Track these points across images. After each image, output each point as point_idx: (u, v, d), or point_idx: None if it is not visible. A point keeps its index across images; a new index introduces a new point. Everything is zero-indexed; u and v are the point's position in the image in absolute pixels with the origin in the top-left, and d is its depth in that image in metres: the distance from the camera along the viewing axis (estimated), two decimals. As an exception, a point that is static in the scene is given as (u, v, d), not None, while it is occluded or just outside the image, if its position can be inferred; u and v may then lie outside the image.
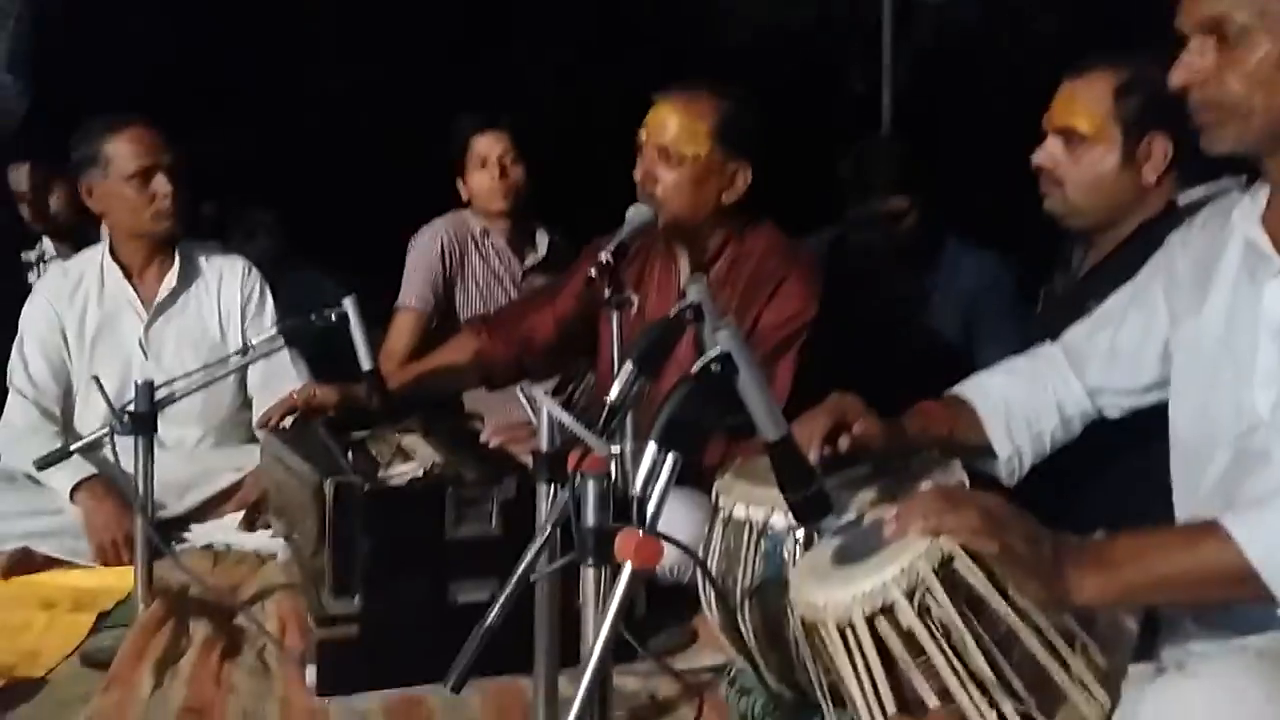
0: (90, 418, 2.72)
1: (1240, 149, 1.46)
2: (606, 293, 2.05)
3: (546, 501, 1.51)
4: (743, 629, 1.55)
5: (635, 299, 2.10)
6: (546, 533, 1.41)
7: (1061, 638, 1.23)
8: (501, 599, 1.41)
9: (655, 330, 1.48)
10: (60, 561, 2.48)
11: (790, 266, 2.29)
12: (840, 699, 1.33)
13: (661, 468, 1.22)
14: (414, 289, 3.12)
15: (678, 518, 1.73)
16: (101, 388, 2.05)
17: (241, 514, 2.60)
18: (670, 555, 1.97)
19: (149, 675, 1.85)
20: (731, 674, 1.69)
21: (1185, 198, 1.92)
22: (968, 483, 1.58)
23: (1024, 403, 1.73)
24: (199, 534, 2.62)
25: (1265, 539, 1.20)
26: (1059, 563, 1.23)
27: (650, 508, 1.20)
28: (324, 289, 3.72)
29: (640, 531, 1.19)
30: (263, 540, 2.53)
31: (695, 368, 1.26)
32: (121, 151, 2.66)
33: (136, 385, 2.03)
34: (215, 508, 2.66)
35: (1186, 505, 1.54)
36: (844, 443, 1.56)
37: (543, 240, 3.24)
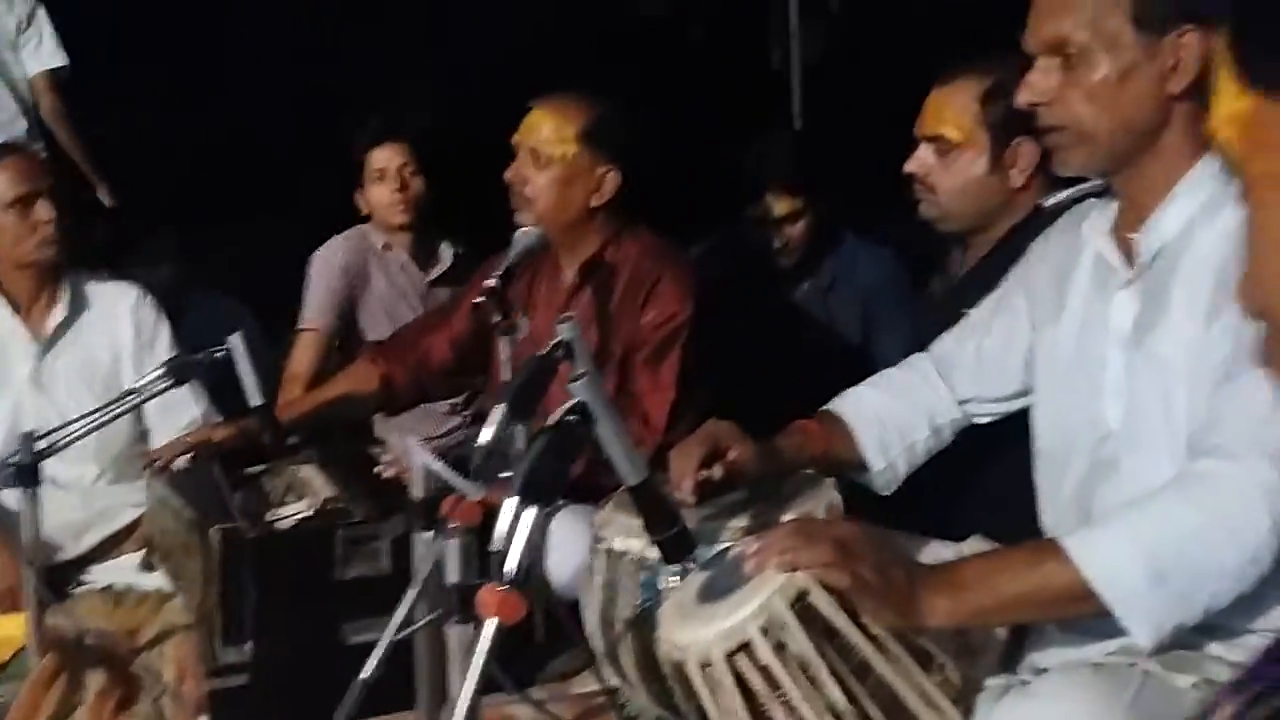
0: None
1: (1089, 170, 1.51)
2: (495, 318, 2.06)
3: (423, 549, 1.51)
4: (623, 659, 1.57)
5: (524, 325, 2.11)
6: (419, 584, 1.42)
7: (916, 661, 1.26)
8: (378, 651, 1.42)
9: (526, 372, 1.49)
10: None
11: (664, 268, 2.34)
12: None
13: (522, 520, 1.23)
14: (315, 309, 3.08)
15: (570, 535, 1.76)
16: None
17: (142, 552, 2.56)
18: (564, 573, 2.03)
19: (42, 733, 1.83)
20: (621, 700, 1.71)
21: (1051, 200, 1.98)
22: (840, 502, 1.62)
23: (896, 415, 1.77)
24: (98, 574, 2.57)
25: (1101, 558, 1.24)
26: (911, 588, 1.27)
27: (512, 561, 1.21)
28: (228, 311, 3.67)
29: (502, 587, 1.20)
30: (164, 579, 2.51)
31: (552, 419, 1.28)
32: (0, 180, 2.60)
33: (21, 436, 1.99)
34: (115, 546, 2.61)
35: (1049, 512, 1.59)
36: (718, 471, 1.58)
37: (447, 252, 3.22)
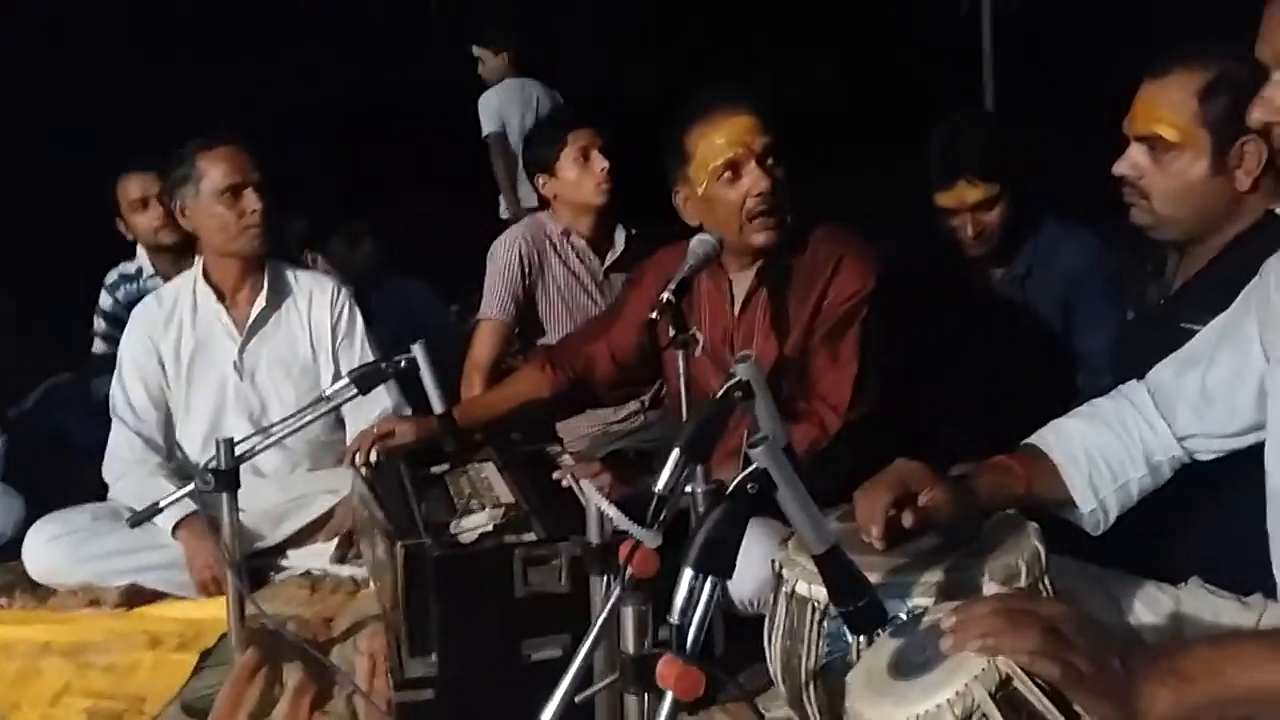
0: (189, 445, 2.82)
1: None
2: (670, 332, 2.01)
3: (599, 595, 1.49)
4: (808, 707, 1.52)
5: (701, 337, 2.05)
6: (596, 630, 1.40)
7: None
8: (556, 698, 1.40)
9: (703, 415, 1.44)
10: (166, 595, 2.60)
11: (844, 247, 2.28)
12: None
13: (700, 592, 1.18)
14: (494, 299, 3.11)
15: (756, 552, 1.70)
16: (182, 450, 2.10)
17: (334, 543, 2.67)
18: (749, 586, 1.98)
19: (244, 729, 1.92)
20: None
21: (1286, 205, 1.77)
22: (1043, 553, 1.50)
23: (1107, 451, 1.63)
24: (296, 560, 2.70)
25: None
26: (1130, 678, 1.15)
27: (690, 635, 1.17)
28: (421, 296, 3.77)
29: (681, 660, 1.16)
30: (355, 567, 2.60)
31: (731, 487, 1.22)
32: (212, 169, 2.71)
33: (221, 443, 2.06)
34: (311, 534, 2.74)
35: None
36: (908, 519, 1.49)
37: (620, 236, 3.19)
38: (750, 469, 1.22)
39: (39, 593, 2.63)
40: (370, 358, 2.82)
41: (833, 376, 2.22)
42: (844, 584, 1.27)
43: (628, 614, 1.23)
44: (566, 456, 2.38)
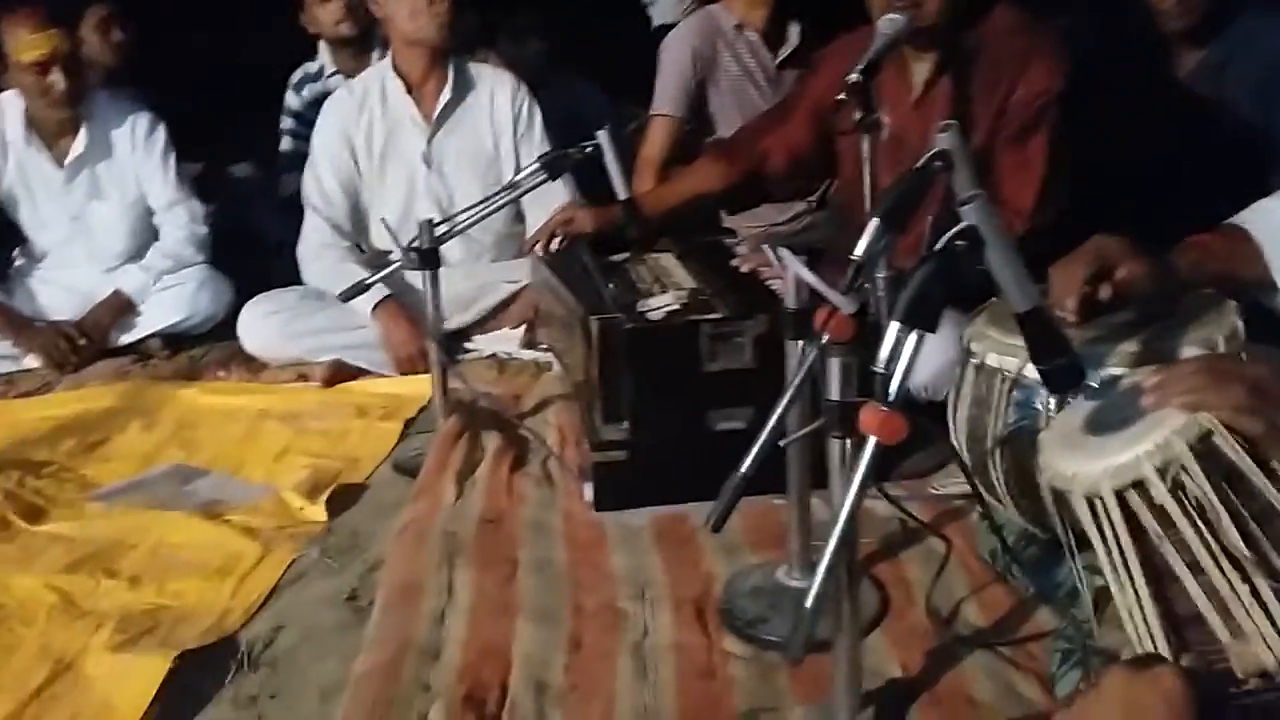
0: (380, 232, 2.97)
1: None
2: (857, 115, 1.99)
3: (794, 359, 1.56)
4: (993, 474, 1.58)
5: (887, 119, 2.03)
6: (791, 390, 1.47)
7: (1328, 512, 1.18)
8: (754, 450, 1.50)
9: (902, 184, 1.45)
10: (368, 371, 2.81)
11: (1033, 43, 2.21)
12: (1086, 544, 1.36)
13: (904, 344, 1.24)
14: (667, 94, 3.12)
15: (931, 341, 1.75)
16: (389, 228, 2.23)
17: (520, 330, 2.81)
18: (924, 373, 2.04)
19: (451, 485, 2.10)
20: (987, 508, 1.72)
21: None
22: (1242, 329, 1.50)
23: (1315, 232, 1.58)
24: (483, 343, 2.87)
25: None
26: None
27: (894, 383, 1.23)
28: (590, 95, 3.79)
29: (884, 407, 1.22)
30: (539, 352, 2.76)
31: (940, 244, 1.25)
32: None
33: (422, 224, 2.18)
34: (495, 320, 2.90)
35: None
36: (1105, 291, 1.50)
37: (794, 31, 3.13)
38: (961, 226, 1.24)
39: (253, 366, 2.88)
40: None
41: (1018, 179, 2.18)
42: (1046, 342, 1.30)
43: (833, 365, 1.29)
44: (743, 246, 2.43)
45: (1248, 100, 2.65)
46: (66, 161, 3.10)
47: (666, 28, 3.44)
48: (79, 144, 3.09)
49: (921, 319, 1.23)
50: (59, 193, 3.13)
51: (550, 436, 2.31)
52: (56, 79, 2.94)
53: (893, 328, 1.24)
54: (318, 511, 2.10)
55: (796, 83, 2.66)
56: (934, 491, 1.92)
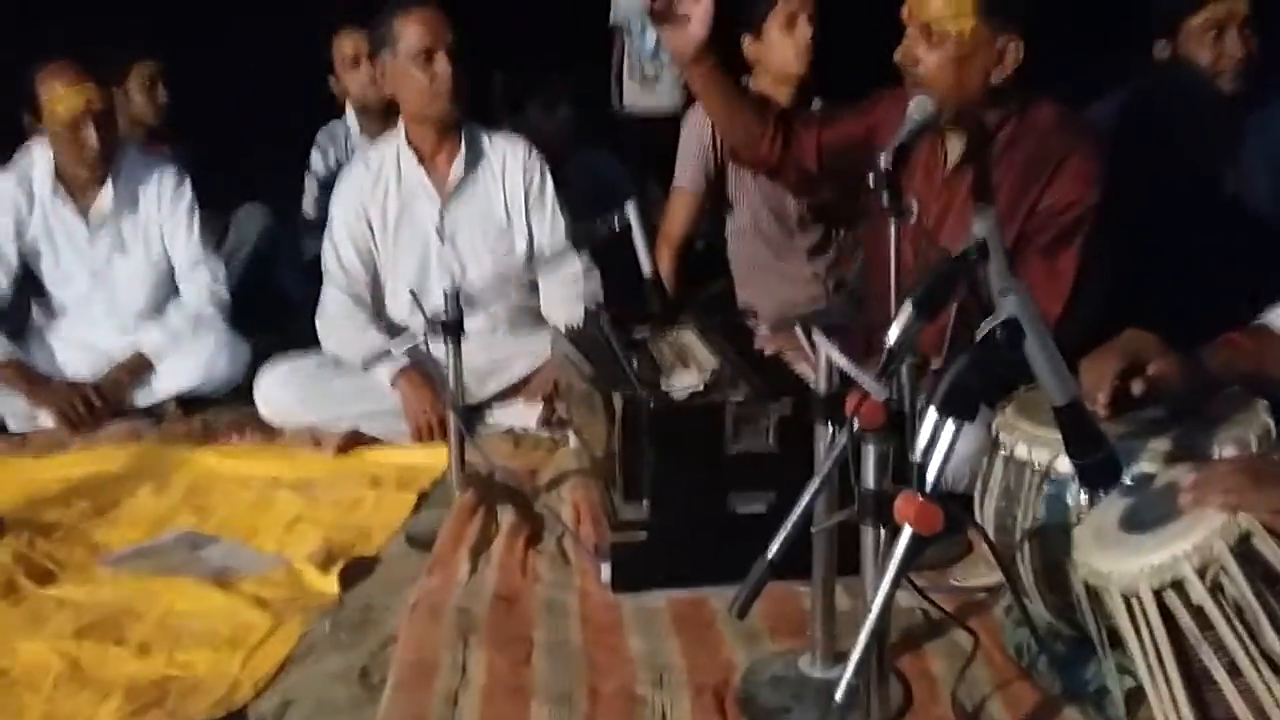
0: (395, 303, 2.98)
1: None
2: (885, 200, 2.01)
3: (824, 443, 1.55)
4: (1020, 567, 1.56)
5: (915, 207, 2.04)
6: (821, 476, 1.47)
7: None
8: (781, 535, 1.49)
9: (937, 272, 1.46)
10: (383, 441, 2.79)
11: (1074, 145, 2.18)
12: (1118, 642, 1.34)
13: (941, 433, 1.23)
14: (688, 170, 3.15)
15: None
16: (416, 298, 2.23)
17: (537, 406, 2.81)
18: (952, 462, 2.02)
19: (466, 560, 2.07)
20: (1009, 602, 1.70)
21: None
22: (1274, 428, 1.49)
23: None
24: (500, 417, 2.86)
25: None
26: None
27: (931, 473, 1.22)
28: (612, 170, 3.83)
29: (920, 496, 1.21)
30: (555, 428, 2.75)
31: (980, 334, 1.25)
32: (408, 32, 2.77)
33: (449, 294, 2.19)
34: (513, 394, 2.89)
35: None
36: (1138, 387, 1.50)
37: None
38: (1001, 318, 1.24)
39: (267, 431, 2.86)
40: (561, 220, 2.93)
41: (1047, 290, 2.12)
42: (1083, 436, 1.30)
43: (869, 452, 1.29)
44: (763, 327, 2.43)
45: (1262, 185, 2.65)
46: (92, 215, 3.12)
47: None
48: (105, 198, 3.11)
49: (960, 408, 1.23)
50: (83, 246, 3.14)
51: (566, 513, 2.29)
52: (89, 134, 2.97)
53: (930, 416, 1.24)
54: (330, 583, 2.07)
55: (849, 105, 2.60)
56: (954, 584, 1.89)
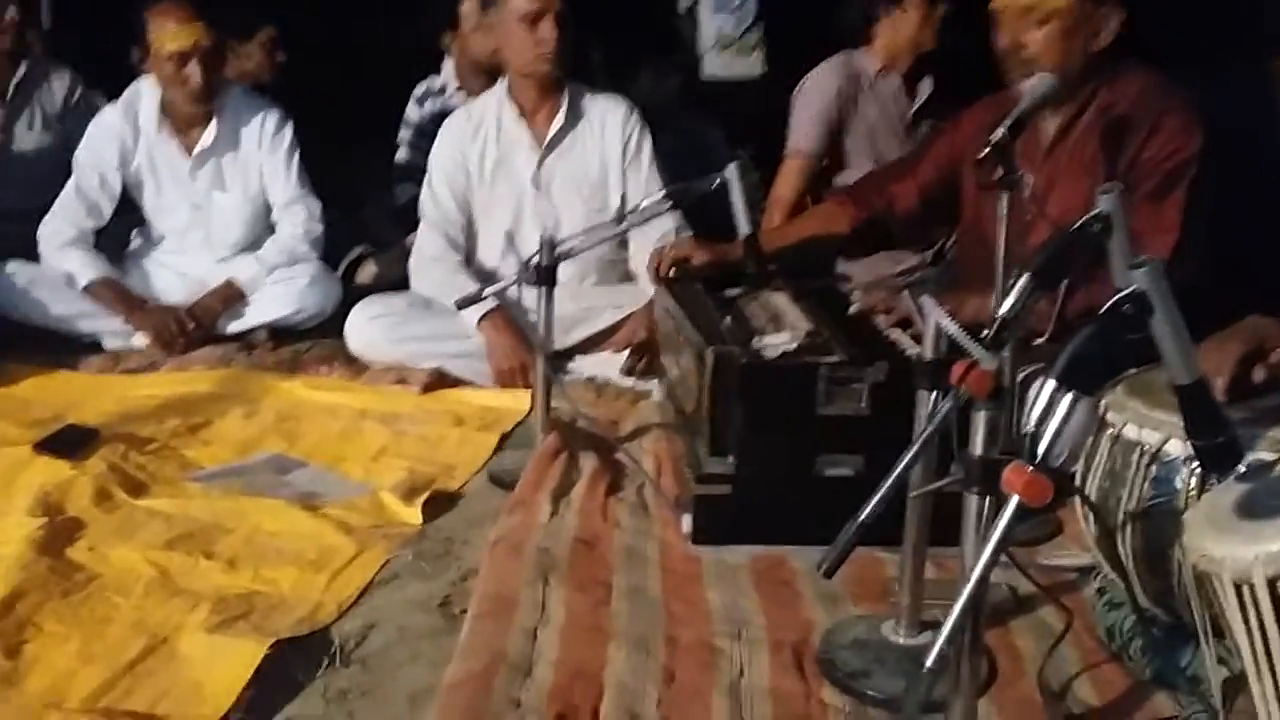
0: (486, 250, 3.01)
1: None
2: (998, 172, 1.97)
3: (925, 408, 1.52)
4: (1120, 549, 1.52)
5: (1030, 178, 2.00)
6: (921, 441, 1.44)
7: None
8: (877, 496, 1.46)
9: (1058, 243, 1.42)
10: (466, 382, 2.82)
11: (1168, 104, 2.22)
12: (1220, 631, 1.30)
13: (1058, 404, 1.20)
14: (803, 135, 3.12)
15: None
16: (512, 241, 2.24)
17: (624, 354, 2.81)
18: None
19: (547, 502, 2.09)
20: (1101, 584, 1.67)
21: None
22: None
23: None
24: (583, 366, 2.87)
25: None
26: None
27: (1043, 444, 1.19)
28: (714, 141, 3.81)
29: (1030, 467, 1.19)
30: (638, 379, 2.75)
31: (1106, 307, 1.21)
32: None
33: (544, 240, 2.19)
34: (597, 343, 2.90)
35: None
36: (1259, 373, 1.45)
37: (926, 84, 3.15)
38: (1129, 290, 1.21)
39: (354, 366, 2.91)
40: (656, 180, 2.91)
41: (1154, 240, 2.13)
42: (1206, 418, 1.26)
43: (979, 419, 1.26)
44: (856, 293, 2.40)
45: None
46: (195, 151, 3.19)
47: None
48: (208, 135, 3.17)
49: (1080, 380, 1.19)
50: (184, 180, 3.22)
51: (647, 464, 2.29)
52: (194, 71, 3.03)
53: (1048, 387, 1.20)
54: (413, 514, 2.10)
55: (932, 133, 2.67)
56: (1044, 563, 1.85)
